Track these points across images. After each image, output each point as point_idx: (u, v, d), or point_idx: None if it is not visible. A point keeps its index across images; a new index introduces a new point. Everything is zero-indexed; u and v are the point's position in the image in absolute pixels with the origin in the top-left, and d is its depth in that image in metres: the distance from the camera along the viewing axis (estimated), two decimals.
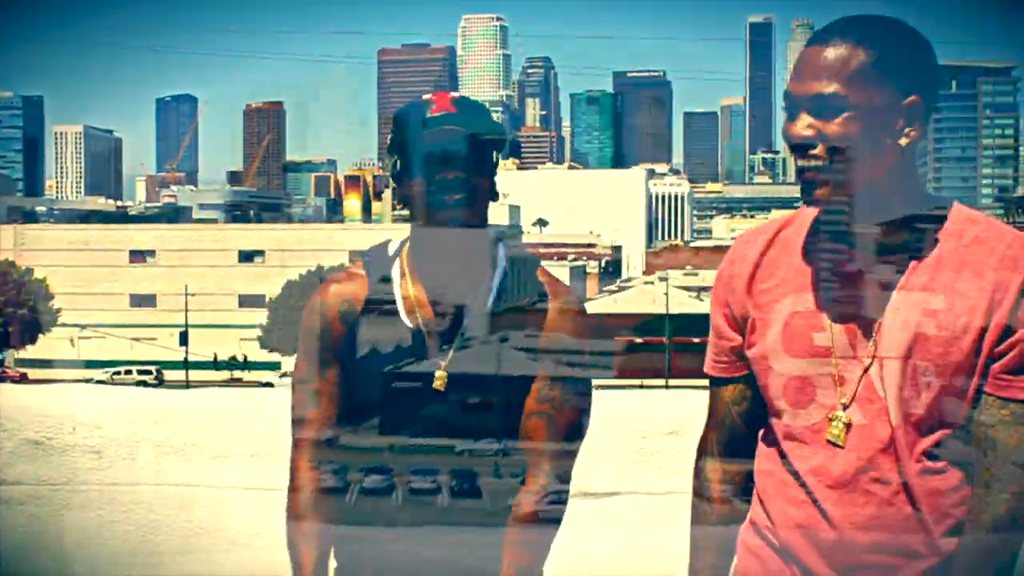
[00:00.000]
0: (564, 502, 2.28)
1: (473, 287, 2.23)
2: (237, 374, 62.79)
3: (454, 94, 2.20)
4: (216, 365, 61.97)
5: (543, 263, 2.33)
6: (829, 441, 1.88)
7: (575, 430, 2.31)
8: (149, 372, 59.09)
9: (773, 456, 1.98)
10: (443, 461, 2.22)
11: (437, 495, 2.22)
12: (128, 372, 58.38)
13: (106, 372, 56.73)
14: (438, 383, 2.19)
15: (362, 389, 2.25)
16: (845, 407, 1.87)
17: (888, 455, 1.84)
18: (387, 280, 2.25)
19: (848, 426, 1.87)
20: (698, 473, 2.19)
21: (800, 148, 1.83)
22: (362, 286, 2.26)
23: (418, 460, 2.22)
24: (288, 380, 2.51)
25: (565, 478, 2.28)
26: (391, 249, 2.30)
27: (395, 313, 2.23)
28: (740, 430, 2.09)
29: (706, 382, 2.13)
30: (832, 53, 1.80)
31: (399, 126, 2.22)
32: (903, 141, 1.81)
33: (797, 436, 1.93)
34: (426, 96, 2.22)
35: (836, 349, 1.89)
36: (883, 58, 1.78)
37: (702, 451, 2.19)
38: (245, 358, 63.05)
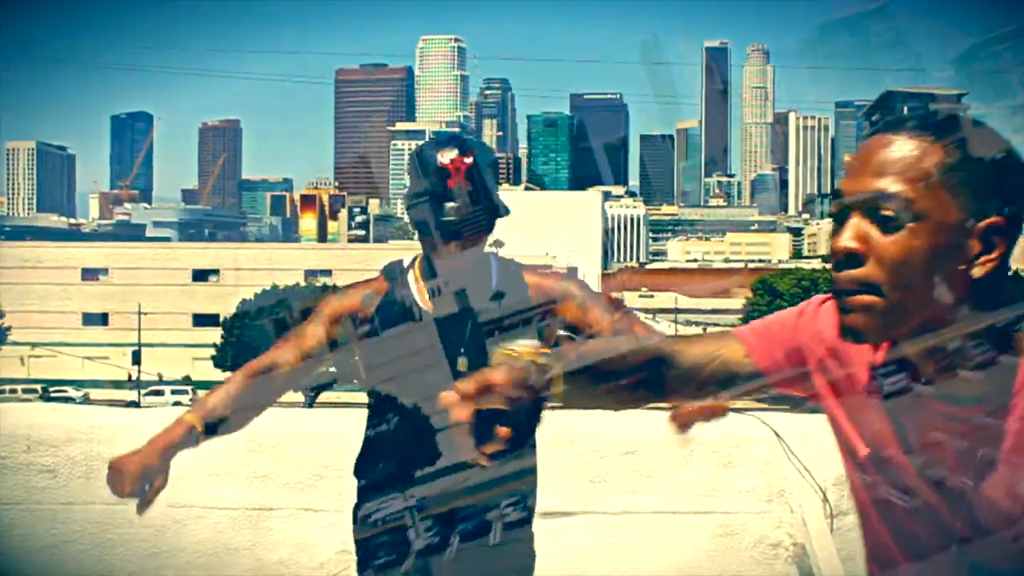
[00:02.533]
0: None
1: (475, 285, 2.64)
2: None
3: (467, 161, 2.55)
4: (133, 384, 61.07)
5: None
6: None
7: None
8: (35, 391, 58.71)
9: None
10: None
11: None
12: (13, 391, 57.97)
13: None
14: (461, 366, 2.56)
15: (385, 366, 2.62)
16: None
17: None
18: (404, 280, 2.68)
19: None
20: None
21: (845, 263, 1.44)
22: (382, 284, 2.68)
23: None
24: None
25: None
26: (405, 263, 2.74)
27: (414, 301, 2.63)
28: None
29: (667, 405, 1.99)
30: (902, 147, 1.42)
31: (421, 171, 2.56)
32: (976, 272, 1.41)
33: None
34: (442, 159, 2.54)
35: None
36: (965, 163, 1.40)
37: None
38: (160, 376, 61.98)
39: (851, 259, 1.43)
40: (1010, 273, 1.44)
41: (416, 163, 2.60)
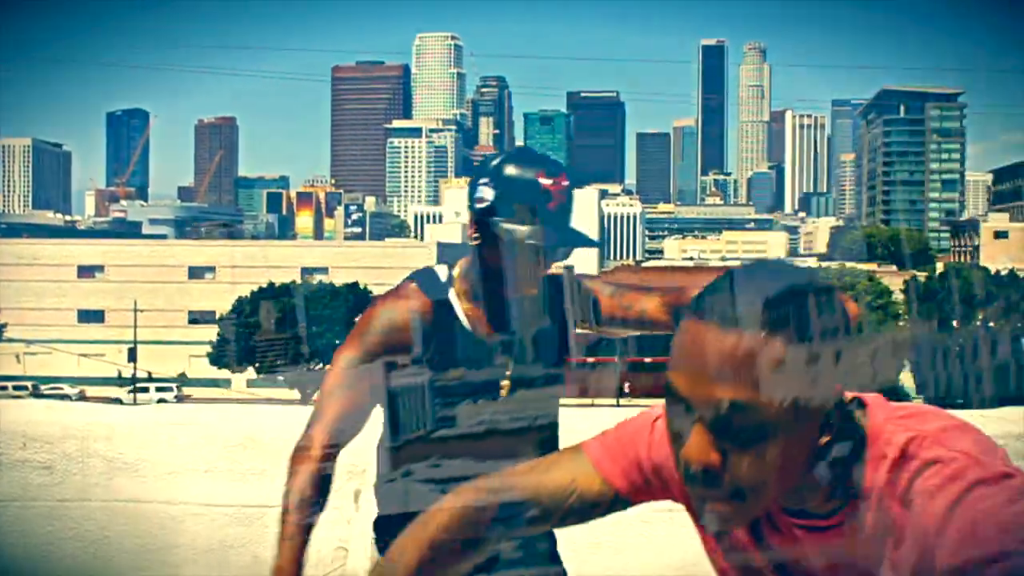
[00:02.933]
0: None
1: (529, 308, 2.52)
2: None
3: (564, 184, 2.44)
4: (121, 381, 60.85)
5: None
6: None
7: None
8: (24, 388, 58.65)
9: None
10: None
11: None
12: (3, 388, 58.05)
13: None
14: (503, 391, 2.49)
15: (430, 391, 2.49)
16: None
17: None
18: (445, 299, 2.51)
19: None
20: None
21: (700, 478, 1.33)
22: (425, 301, 2.50)
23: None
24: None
25: None
26: (442, 274, 2.55)
27: (462, 326, 2.49)
28: None
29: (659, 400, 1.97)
30: (740, 346, 1.28)
31: (515, 189, 2.44)
32: (822, 441, 1.35)
33: None
34: (544, 180, 2.43)
35: None
36: (808, 355, 1.28)
37: None
38: (149, 374, 61.59)
39: (706, 475, 1.32)
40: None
41: (506, 179, 2.45)
